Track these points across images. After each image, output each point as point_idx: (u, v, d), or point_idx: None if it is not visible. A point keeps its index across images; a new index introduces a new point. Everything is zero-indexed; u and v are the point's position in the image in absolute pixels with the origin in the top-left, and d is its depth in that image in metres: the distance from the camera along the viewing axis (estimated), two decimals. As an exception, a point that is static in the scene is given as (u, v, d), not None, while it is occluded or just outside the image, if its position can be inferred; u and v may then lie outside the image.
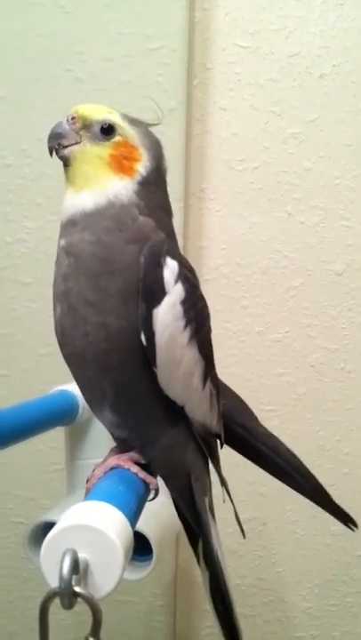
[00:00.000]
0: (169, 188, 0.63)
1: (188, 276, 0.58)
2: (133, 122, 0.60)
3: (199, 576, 1.12)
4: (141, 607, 1.15)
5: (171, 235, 0.61)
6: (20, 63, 1.07)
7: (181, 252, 0.64)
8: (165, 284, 0.55)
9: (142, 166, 0.59)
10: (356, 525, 0.69)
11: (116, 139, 0.58)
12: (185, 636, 1.17)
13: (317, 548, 1.14)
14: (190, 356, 0.58)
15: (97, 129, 0.58)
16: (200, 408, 0.61)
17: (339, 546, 1.13)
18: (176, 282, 0.56)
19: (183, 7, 1.05)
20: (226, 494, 0.68)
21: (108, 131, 0.58)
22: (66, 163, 0.59)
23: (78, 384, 0.62)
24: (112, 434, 0.65)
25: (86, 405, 0.79)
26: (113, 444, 0.68)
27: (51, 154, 0.60)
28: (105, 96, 1.06)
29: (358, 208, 1.10)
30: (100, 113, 0.58)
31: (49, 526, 0.78)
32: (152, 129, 0.62)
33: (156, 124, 0.62)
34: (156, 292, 0.55)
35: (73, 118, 0.58)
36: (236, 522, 0.69)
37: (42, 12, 1.06)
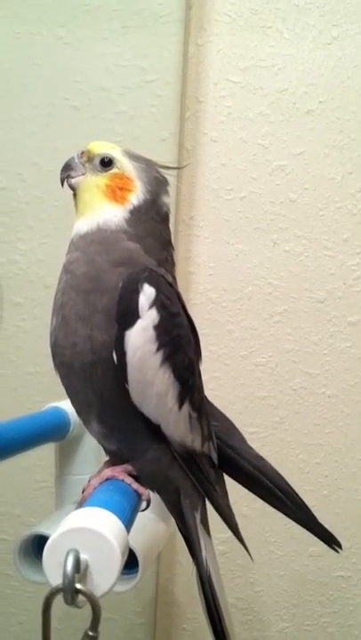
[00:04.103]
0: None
1: (166, 304, 0.60)
2: (135, 157, 0.65)
3: (179, 594, 1.14)
4: (122, 624, 1.15)
5: (163, 262, 0.64)
6: (18, 90, 1.10)
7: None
8: (140, 308, 0.58)
9: (135, 197, 0.63)
10: (340, 546, 0.69)
11: (113, 170, 0.64)
12: (164, 655, 1.17)
13: (295, 568, 1.15)
14: (163, 378, 0.60)
15: (97, 161, 0.64)
16: (177, 428, 0.62)
17: (316, 567, 1.14)
18: (150, 307, 0.58)
19: (178, 42, 1.08)
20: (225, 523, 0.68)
21: (106, 163, 0.64)
22: (73, 191, 0.65)
23: (68, 394, 0.64)
24: (102, 446, 0.67)
25: (77, 422, 0.81)
26: (102, 460, 0.70)
27: (62, 184, 0.65)
28: (100, 124, 1.09)
29: (341, 239, 1.12)
30: (102, 148, 0.64)
31: (38, 540, 0.80)
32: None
33: (166, 167, 0.67)
34: (129, 316, 0.58)
35: (82, 153, 0.64)
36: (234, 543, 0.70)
37: (41, 41, 1.09)
